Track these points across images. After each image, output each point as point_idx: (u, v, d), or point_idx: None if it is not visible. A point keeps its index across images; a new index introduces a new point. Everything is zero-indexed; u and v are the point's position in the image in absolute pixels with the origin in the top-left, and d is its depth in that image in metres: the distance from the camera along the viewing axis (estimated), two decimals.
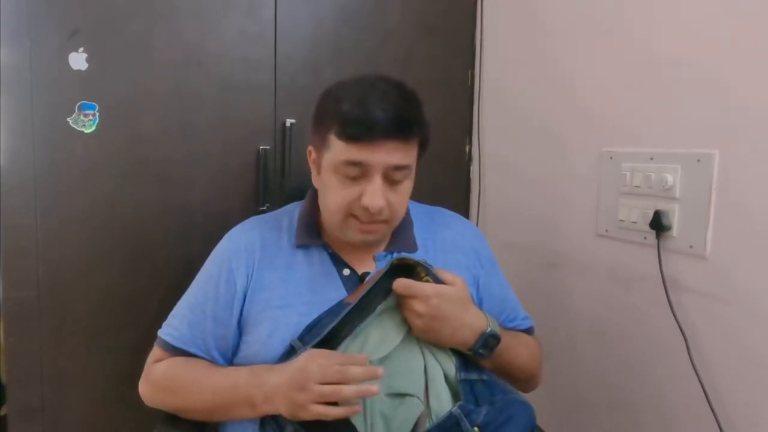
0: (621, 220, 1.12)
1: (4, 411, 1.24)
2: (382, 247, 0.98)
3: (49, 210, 1.16)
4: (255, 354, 0.89)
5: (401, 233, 0.98)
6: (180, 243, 1.26)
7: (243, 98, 1.29)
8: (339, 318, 0.85)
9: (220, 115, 1.27)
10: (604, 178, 1.17)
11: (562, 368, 1.28)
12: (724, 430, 0.93)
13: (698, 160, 0.97)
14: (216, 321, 0.93)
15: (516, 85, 1.42)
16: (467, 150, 1.56)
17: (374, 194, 0.85)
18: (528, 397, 0.92)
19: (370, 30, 1.40)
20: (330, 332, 0.85)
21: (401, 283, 0.86)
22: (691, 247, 0.99)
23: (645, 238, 1.07)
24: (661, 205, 1.03)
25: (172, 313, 0.98)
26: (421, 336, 0.88)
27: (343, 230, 0.91)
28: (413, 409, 0.83)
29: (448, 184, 1.55)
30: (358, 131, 0.83)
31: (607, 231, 1.17)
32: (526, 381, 1.03)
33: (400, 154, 0.86)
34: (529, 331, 1.08)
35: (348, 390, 0.76)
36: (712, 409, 0.94)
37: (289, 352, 0.87)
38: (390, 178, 0.87)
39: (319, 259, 0.96)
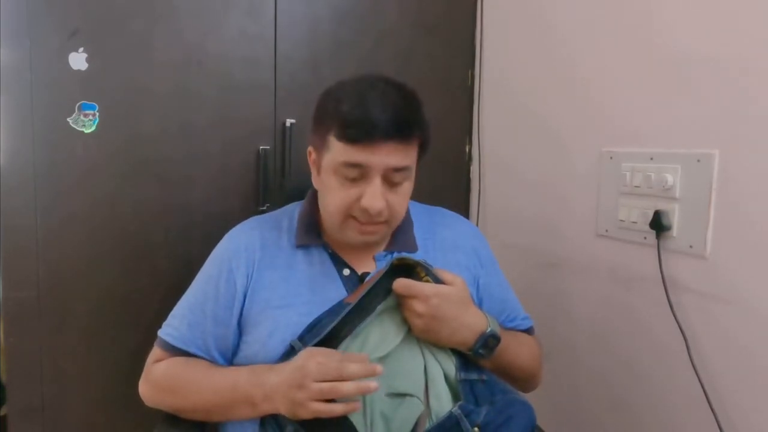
0: (621, 220, 1.12)
1: (4, 411, 1.24)
2: (382, 247, 0.98)
3: (49, 210, 1.16)
4: (255, 354, 0.89)
5: (401, 233, 0.98)
6: (180, 243, 1.26)
7: (243, 98, 1.29)
8: (339, 318, 0.85)
9: (220, 115, 1.27)
10: (604, 178, 1.17)
11: (562, 368, 1.28)
12: (724, 430, 0.93)
13: (698, 160, 0.97)
14: (216, 321, 0.93)
15: (516, 85, 1.42)
16: (467, 150, 1.56)
17: (374, 196, 0.85)
18: (528, 397, 0.92)
19: (370, 30, 1.40)
20: (330, 332, 0.85)
21: (401, 283, 0.86)
22: (691, 247, 0.99)
23: (645, 238, 1.07)
24: (661, 205, 1.03)
25: (172, 313, 0.98)
26: (421, 336, 0.88)
27: (342, 231, 0.91)
28: (413, 409, 0.83)
29: (448, 184, 1.55)
30: (358, 133, 0.83)
31: (607, 231, 1.17)
32: (526, 381, 1.03)
33: (399, 156, 0.86)
34: (529, 331, 1.08)
35: (346, 387, 0.76)
36: (712, 409, 0.94)
37: (289, 352, 0.86)
38: (390, 180, 0.87)
39: (319, 259, 0.96)
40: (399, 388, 0.84)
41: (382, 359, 0.84)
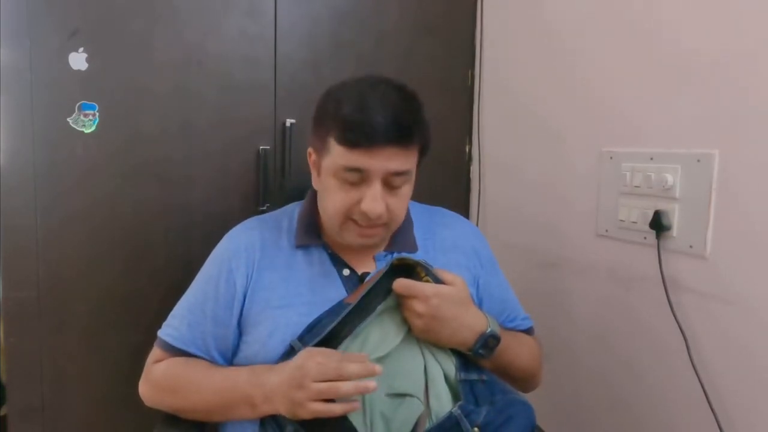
0: (621, 220, 1.12)
1: (4, 411, 1.24)
2: (382, 247, 0.98)
3: (49, 210, 1.16)
4: (255, 354, 0.89)
5: (401, 233, 0.98)
6: (180, 243, 1.26)
7: (243, 98, 1.29)
8: (339, 318, 0.85)
9: (220, 115, 1.27)
10: (604, 178, 1.17)
11: (562, 368, 1.28)
12: (724, 430, 0.93)
13: (698, 160, 0.97)
14: (216, 321, 0.93)
15: (516, 85, 1.42)
16: (467, 150, 1.56)
17: (373, 200, 0.85)
18: (528, 397, 0.92)
19: (370, 30, 1.40)
20: (330, 332, 0.85)
21: (401, 283, 0.86)
22: (691, 247, 0.99)
23: (645, 238, 1.07)
24: (661, 205, 1.03)
25: (172, 313, 0.98)
26: (421, 336, 0.88)
27: (342, 233, 0.91)
28: (413, 409, 0.83)
29: (448, 184, 1.55)
30: (358, 137, 0.83)
31: (607, 231, 1.17)
32: (526, 381, 1.03)
33: (399, 161, 0.85)
34: (529, 331, 1.08)
35: (345, 386, 0.76)
36: (712, 409, 0.94)
37: (289, 352, 0.86)
38: (389, 184, 0.87)
39: (318, 259, 0.96)
40: (399, 388, 0.84)
41: (382, 359, 0.84)
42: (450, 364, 0.88)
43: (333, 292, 0.92)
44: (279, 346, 0.88)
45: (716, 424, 0.93)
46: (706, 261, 0.97)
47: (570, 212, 1.27)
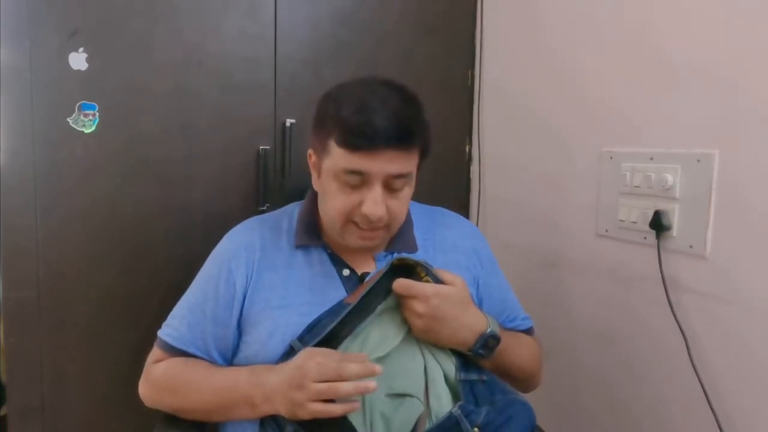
0: (621, 220, 1.12)
1: (4, 411, 1.24)
2: (382, 247, 0.98)
3: (49, 210, 1.16)
4: (255, 354, 0.89)
5: (401, 234, 0.98)
6: (180, 243, 1.26)
7: (243, 98, 1.29)
8: (339, 318, 0.85)
9: (220, 115, 1.27)
10: (604, 177, 1.17)
11: (562, 368, 1.28)
12: (724, 430, 0.93)
13: (698, 160, 0.97)
14: (216, 321, 0.93)
15: (516, 85, 1.42)
16: (467, 150, 1.56)
17: (374, 203, 0.85)
18: (528, 397, 0.92)
19: (370, 30, 1.40)
20: (330, 332, 0.85)
21: (401, 284, 0.86)
22: (691, 247, 0.99)
23: (645, 238, 1.07)
24: (661, 205, 1.03)
25: (172, 313, 0.98)
26: (421, 336, 0.88)
27: (343, 236, 0.91)
28: (413, 409, 0.83)
29: (448, 184, 1.55)
30: (359, 140, 0.82)
31: (607, 231, 1.17)
32: (526, 381, 1.03)
33: (400, 163, 0.85)
34: (529, 331, 1.08)
35: (345, 386, 0.76)
36: (712, 409, 0.94)
37: (289, 353, 0.86)
38: (390, 186, 0.87)
39: (318, 259, 0.96)
40: (399, 388, 0.84)
41: (381, 359, 0.84)
42: (450, 364, 0.88)
43: (333, 293, 0.92)
44: (279, 346, 0.88)
45: (716, 424, 0.93)
46: (706, 261, 0.97)
47: (570, 212, 1.27)
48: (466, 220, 1.15)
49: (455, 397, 0.86)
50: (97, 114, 1.18)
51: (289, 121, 1.31)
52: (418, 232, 1.01)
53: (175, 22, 1.22)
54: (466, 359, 0.90)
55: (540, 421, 0.90)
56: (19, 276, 1.15)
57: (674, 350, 1.00)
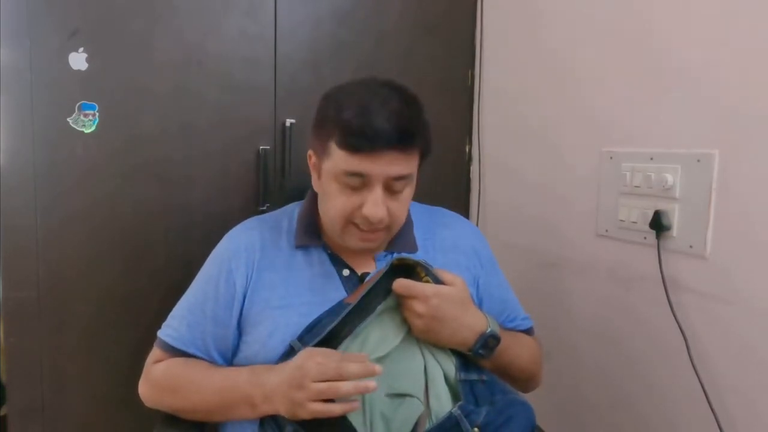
0: (621, 220, 1.12)
1: (4, 411, 1.24)
2: (382, 247, 0.98)
3: (49, 210, 1.16)
4: (255, 354, 0.89)
5: (401, 234, 0.98)
6: (180, 243, 1.26)
7: (243, 98, 1.29)
8: (339, 318, 0.85)
9: (220, 116, 1.27)
10: (604, 178, 1.17)
11: (562, 368, 1.28)
12: (724, 430, 0.93)
13: (698, 160, 0.97)
14: (216, 321, 0.93)
15: (516, 85, 1.42)
16: (467, 150, 1.56)
17: (375, 204, 0.85)
18: (528, 397, 0.92)
19: (370, 30, 1.40)
20: (330, 332, 0.85)
21: (401, 284, 0.86)
22: (691, 247, 0.99)
23: (645, 238, 1.07)
24: (661, 205, 1.03)
25: (172, 313, 0.98)
26: (421, 336, 0.88)
27: (343, 237, 0.91)
28: (413, 409, 0.83)
29: (448, 184, 1.55)
30: (359, 142, 0.82)
31: (607, 231, 1.17)
32: (526, 381, 1.03)
33: (401, 165, 0.85)
34: (529, 331, 1.08)
35: (345, 386, 0.76)
36: (712, 409, 0.94)
37: (289, 353, 0.86)
38: (390, 188, 0.87)
39: (318, 259, 0.96)
40: (399, 388, 0.84)
41: (381, 359, 0.84)
42: (450, 365, 0.88)
43: (333, 293, 0.92)
44: (279, 347, 0.88)
45: (716, 423, 0.93)
46: (706, 261, 0.97)
47: (570, 212, 1.27)
48: (466, 220, 1.15)
49: (455, 397, 0.86)
50: (97, 114, 1.18)
51: (289, 121, 1.31)
52: (418, 232, 1.01)
53: (175, 22, 1.22)
54: (466, 359, 0.90)
55: (540, 421, 0.90)
56: (19, 276, 1.15)
57: (674, 350, 1.00)
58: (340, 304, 0.90)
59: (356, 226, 0.89)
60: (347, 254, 0.96)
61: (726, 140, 0.94)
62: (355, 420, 0.80)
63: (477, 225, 1.51)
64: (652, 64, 1.06)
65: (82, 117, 1.17)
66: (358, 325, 0.86)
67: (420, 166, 0.92)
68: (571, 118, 1.25)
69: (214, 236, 1.01)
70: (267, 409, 0.83)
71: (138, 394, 0.96)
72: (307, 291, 0.92)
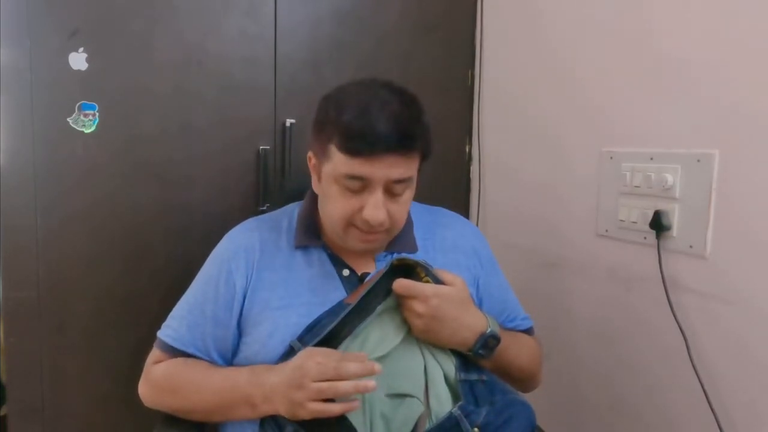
0: (621, 220, 1.12)
1: (4, 411, 1.24)
2: (382, 247, 0.98)
3: (49, 210, 1.16)
4: (255, 354, 0.89)
5: (401, 234, 0.98)
6: (180, 243, 1.26)
7: (243, 98, 1.29)
8: (339, 318, 0.85)
9: (220, 116, 1.27)
10: (604, 178, 1.17)
11: (562, 368, 1.28)
12: (724, 430, 0.93)
13: (698, 160, 0.97)
14: (216, 322, 0.93)
15: (516, 85, 1.42)
16: (467, 150, 1.56)
17: (375, 208, 0.85)
18: (528, 397, 0.92)
19: (370, 30, 1.40)
20: (330, 333, 0.85)
21: (401, 284, 0.86)
22: (691, 247, 0.99)
23: (645, 238, 1.07)
24: (661, 205, 1.03)
25: (172, 314, 0.98)
26: (421, 336, 0.88)
27: (344, 239, 0.91)
28: (413, 409, 0.83)
29: (448, 184, 1.55)
30: (360, 146, 0.82)
31: (607, 231, 1.17)
32: (525, 381, 1.03)
33: (401, 168, 0.85)
34: (529, 331, 1.08)
35: (344, 385, 0.76)
36: (712, 409, 0.94)
37: (289, 353, 0.86)
38: (391, 191, 0.87)
39: (318, 259, 0.96)
40: (399, 388, 0.84)
41: (381, 359, 0.84)
42: (450, 365, 0.88)
43: (333, 293, 0.92)
44: (279, 347, 0.88)
45: (716, 424, 0.93)
46: (706, 261, 0.97)
47: (570, 212, 1.27)
48: (466, 220, 1.15)
49: (455, 398, 0.86)
50: (97, 114, 1.18)
51: (289, 121, 1.31)
52: (418, 233, 1.01)
53: (175, 22, 1.22)
54: (466, 359, 0.90)
55: (540, 421, 0.90)
56: (19, 276, 1.15)
57: (674, 350, 1.00)
58: (340, 305, 0.90)
59: (357, 227, 0.89)
60: (347, 254, 0.96)
61: (726, 140, 0.94)
62: (355, 420, 0.80)
63: (477, 225, 1.51)
64: (652, 64, 1.06)
65: (82, 117, 1.17)
66: (358, 326, 0.86)
67: (420, 168, 0.92)
68: (571, 118, 1.25)
69: (214, 236, 1.01)
70: (267, 409, 0.83)
71: (138, 394, 0.96)
72: (307, 291, 0.92)
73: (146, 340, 1.00)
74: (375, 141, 0.82)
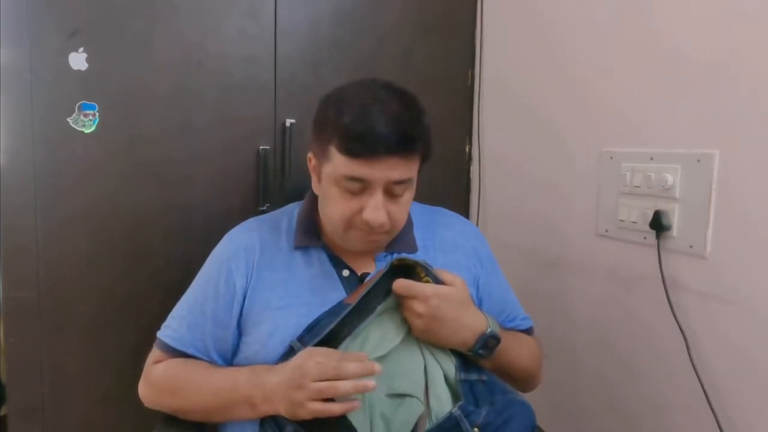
0: (621, 220, 1.12)
1: (4, 411, 1.24)
2: (382, 248, 0.98)
3: (49, 210, 1.16)
4: (255, 354, 0.89)
5: (401, 234, 0.98)
6: (180, 243, 1.26)
7: (243, 98, 1.29)
8: (339, 318, 0.85)
9: (220, 115, 1.27)
10: (604, 178, 1.17)
11: (562, 368, 1.28)
12: (724, 430, 0.93)
13: (698, 160, 0.97)
14: (215, 322, 0.93)
15: (516, 85, 1.42)
16: (467, 150, 1.56)
17: (375, 209, 0.85)
18: (528, 397, 0.92)
19: (370, 30, 1.40)
20: (330, 333, 0.85)
21: (401, 284, 0.86)
22: (691, 247, 0.99)
23: (645, 238, 1.07)
24: (661, 205, 1.03)
25: (171, 314, 0.98)
26: (421, 336, 0.88)
27: (345, 239, 0.91)
28: (413, 409, 0.83)
29: (448, 184, 1.55)
30: (360, 148, 0.82)
31: (607, 231, 1.17)
32: (525, 381, 1.03)
33: (401, 170, 0.85)
34: (528, 331, 1.08)
35: (344, 385, 0.76)
36: (712, 409, 0.94)
37: (289, 353, 0.86)
38: (391, 192, 0.87)
39: (318, 260, 0.96)
40: (399, 388, 0.84)
41: (381, 360, 0.84)
42: (450, 365, 0.88)
43: (333, 293, 0.92)
44: (279, 347, 0.88)
45: (716, 424, 0.93)
46: (706, 261, 0.97)
47: (570, 212, 1.27)
48: (466, 220, 1.15)
49: (455, 398, 0.86)
50: (97, 114, 1.18)
51: (289, 121, 1.31)
52: (418, 233, 1.01)
53: (175, 22, 1.22)
54: (466, 359, 0.90)
55: (540, 421, 0.90)
56: (19, 276, 1.15)
57: (674, 350, 1.00)
58: (340, 305, 0.90)
59: (357, 228, 0.89)
60: (347, 254, 0.96)
61: (726, 140, 0.94)
62: (355, 420, 0.80)
63: (477, 225, 1.51)
64: (652, 64, 1.06)
65: (82, 117, 1.17)
66: (357, 326, 0.86)
67: (420, 169, 0.91)
68: (572, 118, 1.25)
69: (214, 236, 1.01)
70: (267, 410, 0.83)
71: (138, 394, 0.96)
72: (307, 291, 0.92)
73: (146, 340, 1.00)
74: (375, 143, 0.81)
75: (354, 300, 0.87)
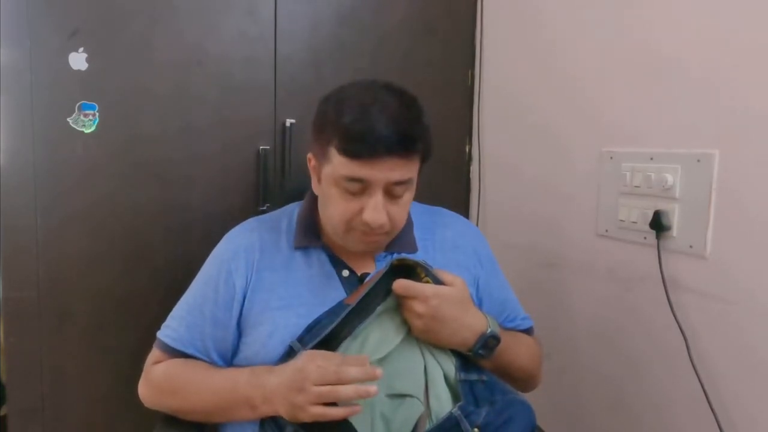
0: (621, 220, 1.12)
1: (4, 411, 1.24)
2: (382, 248, 0.98)
3: (49, 210, 1.16)
4: (255, 354, 0.89)
5: (401, 234, 0.98)
6: (180, 243, 1.26)
7: (243, 98, 1.29)
8: (338, 319, 0.85)
9: (220, 116, 1.27)
10: (604, 178, 1.17)
11: (562, 368, 1.28)
12: (724, 430, 0.93)
13: (698, 160, 0.97)
14: (215, 322, 0.93)
15: (516, 85, 1.42)
16: (467, 150, 1.56)
17: (375, 210, 0.85)
18: (528, 397, 0.92)
19: (370, 30, 1.40)
20: (329, 333, 0.84)
21: (401, 284, 0.86)
22: (691, 247, 0.99)
23: (645, 238, 1.07)
24: (661, 205, 1.03)
25: (171, 314, 0.98)
26: (421, 337, 0.88)
27: (345, 240, 0.91)
28: (413, 409, 0.83)
29: (448, 184, 1.55)
30: (360, 149, 0.82)
31: (607, 231, 1.17)
32: (525, 381, 1.03)
33: (401, 170, 0.85)
34: (528, 331, 1.08)
35: (346, 390, 0.76)
36: (712, 409, 0.94)
37: (288, 353, 0.86)
38: (391, 193, 0.87)
39: (318, 260, 0.96)
40: (399, 388, 0.83)
41: (381, 360, 0.84)
42: (450, 365, 0.88)
43: (332, 293, 0.92)
44: (278, 347, 0.88)
45: (716, 424, 0.93)
46: (706, 261, 0.97)
47: (570, 212, 1.27)
48: (466, 220, 1.15)
49: (455, 398, 0.86)
50: (97, 114, 1.18)
51: (289, 121, 1.31)
52: (418, 233, 1.01)
53: (175, 22, 1.22)
54: (466, 359, 0.90)
55: (540, 421, 0.90)
56: (19, 276, 1.15)
57: (674, 350, 1.00)
58: (340, 305, 0.90)
59: (357, 229, 0.89)
60: (347, 255, 0.96)
61: (726, 140, 0.94)
62: (356, 420, 0.80)
63: (477, 225, 1.51)
64: (652, 64, 1.06)
65: (82, 117, 1.17)
66: (357, 326, 0.86)
67: (420, 169, 0.91)
68: (571, 118, 1.25)
69: (214, 236, 1.01)
70: (267, 411, 0.83)
71: (138, 394, 0.96)
72: (307, 292, 0.92)
73: (146, 340, 1.00)
74: (375, 144, 0.81)
75: (354, 300, 0.87)
